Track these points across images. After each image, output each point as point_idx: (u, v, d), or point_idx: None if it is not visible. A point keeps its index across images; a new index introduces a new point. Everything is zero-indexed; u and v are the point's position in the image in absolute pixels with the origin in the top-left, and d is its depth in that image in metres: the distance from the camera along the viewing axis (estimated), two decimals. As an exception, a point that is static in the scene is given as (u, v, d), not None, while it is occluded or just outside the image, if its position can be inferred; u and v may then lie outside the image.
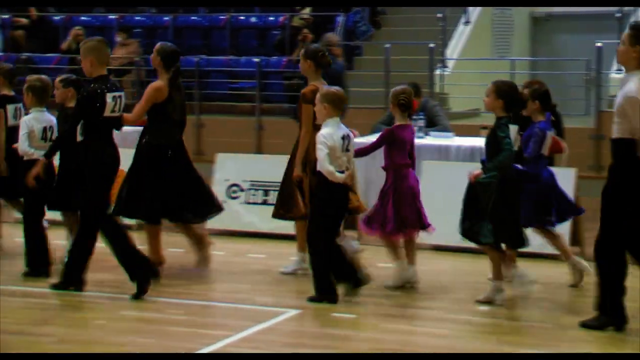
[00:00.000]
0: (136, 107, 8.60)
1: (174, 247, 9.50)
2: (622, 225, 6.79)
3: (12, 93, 9.34)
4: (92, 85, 7.80)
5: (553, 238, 8.44)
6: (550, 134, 8.33)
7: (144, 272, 7.90)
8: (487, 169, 7.48)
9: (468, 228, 7.59)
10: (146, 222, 8.81)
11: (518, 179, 7.66)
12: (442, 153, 10.39)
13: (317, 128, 7.88)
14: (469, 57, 16.28)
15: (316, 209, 7.70)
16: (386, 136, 8.12)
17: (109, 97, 7.80)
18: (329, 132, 7.54)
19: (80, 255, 7.99)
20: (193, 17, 17.77)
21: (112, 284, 8.31)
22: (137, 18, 17.85)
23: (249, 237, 10.53)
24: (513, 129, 7.59)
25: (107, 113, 7.81)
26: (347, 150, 7.65)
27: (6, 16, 17.39)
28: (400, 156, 8.08)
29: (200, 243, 8.97)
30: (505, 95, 7.53)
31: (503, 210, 7.46)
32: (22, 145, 8.57)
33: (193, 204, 8.73)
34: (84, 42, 8.05)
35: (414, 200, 8.12)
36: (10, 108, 9.21)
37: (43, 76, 8.94)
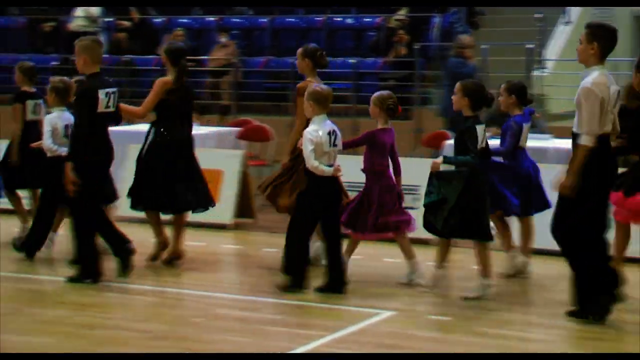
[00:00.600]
0: (144, 102, 8.98)
1: (273, 247, 9.58)
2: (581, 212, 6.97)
3: (32, 89, 9.77)
4: (85, 82, 8.28)
5: (504, 228, 8.65)
6: (527, 127, 8.54)
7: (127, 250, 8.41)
8: (446, 161, 7.79)
9: (429, 220, 7.83)
10: (150, 211, 9.07)
11: (484, 174, 7.85)
12: (539, 155, 10.21)
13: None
14: (569, 58, 16.02)
15: (303, 202, 7.98)
16: (367, 138, 8.35)
17: (101, 93, 8.18)
18: (315, 129, 7.85)
19: (86, 246, 8.28)
20: (290, 19, 17.89)
21: (208, 282, 8.44)
22: (234, 20, 18.06)
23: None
24: (480, 128, 7.80)
25: (100, 109, 8.17)
26: (335, 145, 7.92)
27: (110, 19, 17.77)
28: (379, 159, 8.29)
29: (179, 237, 9.09)
30: (472, 93, 7.78)
31: (470, 204, 7.68)
32: (47, 142, 9.02)
33: (195, 195, 9.05)
34: (79, 40, 8.42)
35: (395, 201, 8.31)
36: (30, 104, 9.71)
37: (65, 77, 9.29)
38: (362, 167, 8.40)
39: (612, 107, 7.04)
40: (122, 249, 8.47)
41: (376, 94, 8.46)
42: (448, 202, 7.68)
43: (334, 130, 7.96)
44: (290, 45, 16.91)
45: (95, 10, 17.57)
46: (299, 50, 8.92)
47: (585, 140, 6.91)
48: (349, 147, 8.48)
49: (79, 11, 17.51)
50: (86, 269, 8.31)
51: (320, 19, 17.25)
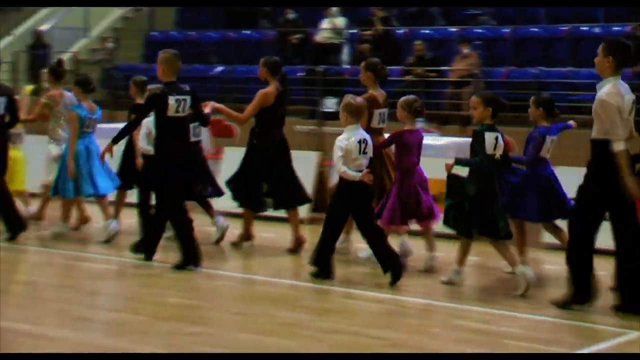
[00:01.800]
0: (246, 109, 10.03)
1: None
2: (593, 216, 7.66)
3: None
4: (160, 89, 9.23)
5: (558, 231, 9.11)
6: (551, 139, 9.07)
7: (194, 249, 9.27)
8: (457, 162, 8.52)
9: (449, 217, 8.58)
10: (250, 209, 10.28)
11: (494, 177, 8.49)
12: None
13: (373, 131, 9.24)
14: None
15: (333, 203, 8.83)
16: (395, 139, 9.19)
17: (171, 99, 9.13)
18: (346, 137, 8.66)
19: (182, 235, 9.23)
20: (533, 29, 17.60)
21: (442, 291, 8.46)
22: (477, 30, 17.95)
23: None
24: (491, 136, 8.43)
25: (170, 113, 9.13)
26: (365, 152, 8.66)
27: (354, 31, 18.13)
28: (407, 157, 9.14)
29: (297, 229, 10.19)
30: (492, 103, 8.57)
31: (484, 204, 8.37)
32: (141, 143, 10.16)
33: (293, 192, 10.13)
34: (162, 52, 9.42)
35: (419, 194, 9.12)
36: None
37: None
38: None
39: (628, 115, 7.61)
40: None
41: (403, 98, 9.30)
42: (464, 203, 8.40)
43: (364, 139, 8.69)
44: (533, 55, 16.64)
45: (340, 23, 17.98)
46: (362, 64, 9.79)
47: (618, 146, 7.48)
48: (382, 148, 9.30)
49: (325, 23, 17.97)
50: (187, 257, 9.20)
51: (565, 28, 16.87)
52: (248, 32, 19.45)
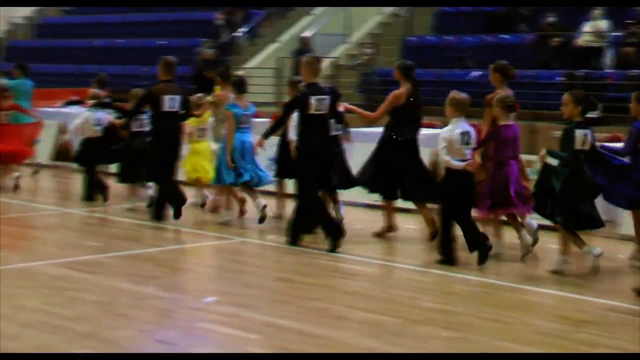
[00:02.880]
0: (379, 109, 10.99)
1: None
2: None
3: None
4: (303, 89, 10.37)
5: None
6: None
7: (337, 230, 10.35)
8: (548, 153, 9.23)
9: (540, 206, 9.26)
10: (383, 198, 11.07)
11: (581, 171, 9.16)
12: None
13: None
14: None
15: (440, 191, 9.71)
16: (493, 135, 9.84)
17: (313, 99, 10.26)
18: (449, 129, 9.49)
19: (325, 224, 10.39)
20: None
21: None
22: None
23: None
24: (581, 132, 9.11)
25: (311, 111, 10.25)
26: (468, 144, 9.43)
27: (618, 33, 17.51)
28: (505, 151, 9.79)
29: (430, 221, 10.68)
30: (583, 101, 9.18)
31: (572, 195, 9.03)
32: (291, 134, 11.15)
33: (425, 186, 10.64)
34: (304, 57, 10.84)
35: (508, 185, 9.70)
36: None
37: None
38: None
39: None
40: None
41: (497, 96, 9.93)
42: (554, 192, 9.07)
43: (467, 131, 9.48)
44: None
45: (603, 25, 17.42)
46: (491, 66, 10.36)
47: None
48: (481, 146, 9.82)
49: (588, 26, 17.46)
50: (333, 238, 10.31)
51: None
52: (506, 36, 19.22)
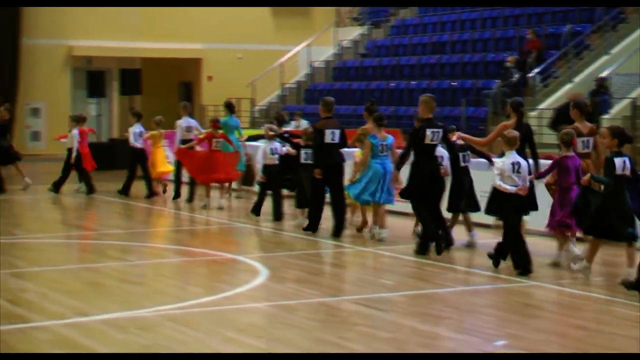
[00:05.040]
0: (488, 137, 13.24)
1: None
2: None
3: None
4: (419, 124, 12.52)
5: None
6: None
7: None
8: (592, 178, 10.81)
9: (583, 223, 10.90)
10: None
11: (622, 193, 10.56)
12: None
13: (580, 155, 11.82)
14: None
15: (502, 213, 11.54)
16: (556, 164, 11.69)
17: (428, 132, 12.33)
18: (502, 160, 11.38)
19: (430, 233, 12.40)
20: None
21: None
22: None
23: None
24: (620, 160, 10.56)
25: (427, 142, 12.35)
26: (518, 172, 11.22)
27: None
28: (565, 178, 11.62)
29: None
30: (618, 135, 10.67)
31: (610, 213, 10.49)
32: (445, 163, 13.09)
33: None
34: (422, 96, 12.68)
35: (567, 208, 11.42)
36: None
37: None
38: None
39: None
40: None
41: (562, 131, 11.84)
42: (595, 210, 10.59)
43: (518, 162, 11.27)
44: None
45: None
46: (571, 104, 12.58)
47: None
48: (543, 176, 11.89)
49: None
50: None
51: None
52: None
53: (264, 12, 33.98)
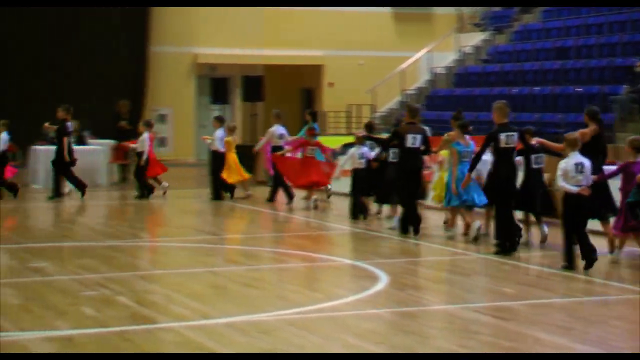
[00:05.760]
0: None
1: None
2: None
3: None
4: (494, 129, 13.01)
5: None
6: None
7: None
8: None
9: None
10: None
11: None
12: None
13: None
14: None
15: (563, 210, 11.94)
16: (622, 168, 12.28)
17: (502, 135, 12.86)
18: (565, 161, 11.70)
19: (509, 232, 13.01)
20: None
21: None
22: None
23: None
24: None
25: (502, 145, 12.85)
26: (581, 172, 11.57)
27: None
28: (629, 183, 12.00)
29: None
30: None
31: None
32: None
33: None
34: (495, 103, 13.31)
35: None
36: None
37: None
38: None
39: None
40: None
41: (629, 138, 12.55)
42: None
43: (581, 163, 11.62)
44: None
45: None
46: None
47: None
48: (608, 178, 12.59)
49: None
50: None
51: None
52: None
53: (386, 18, 34.05)
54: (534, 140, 13.70)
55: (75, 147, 21.65)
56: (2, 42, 29.68)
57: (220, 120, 20.44)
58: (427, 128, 15.76)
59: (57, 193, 20.12)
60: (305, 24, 33.00)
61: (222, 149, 19.83)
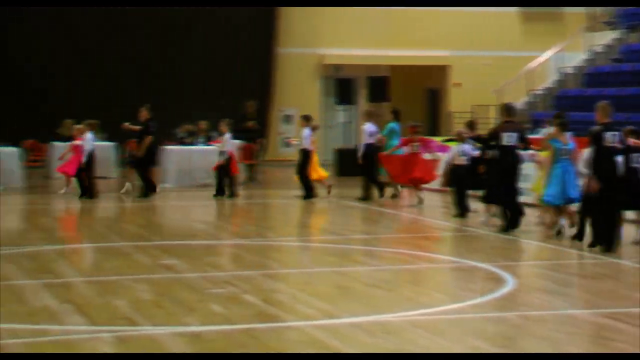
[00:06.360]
0: None
1: None
2: None
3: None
4: (597, 128, 13.18)
5: None
6: None
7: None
8: None
9: None
10: None
11: None
12: None
13: None
14: None
15: None
16: None
17: (608, 134, 13.05)
18: None
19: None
20: None
21: None
22: None
23: None
24: None
25: (606, 144, 13.01)
26: None
27: None
28: None
29: None
30: None
31: None
32: (580, 167, 14.17)
33: None
34: (599, 103, 13.49)
35: None
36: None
37: None
38: None
39: None
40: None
41: None
42: None
43: None
44: None
45: None
46: None
47: None
48: None
49: None
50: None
51: None
52: None
53: (512, 18, 33.61)
54: (632, 141, 13.73)
55: (204, 148, 22.12)
56: (128, 45, 30.33)
57: (307, 119, 20.79)
58: (526, 126, 16.52)
59: (150, 189, 20.52)
60: (431, 24, 32.83)
61: (310, 147, 20.20)
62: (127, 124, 21.25)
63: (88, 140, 20.16)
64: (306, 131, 20.40)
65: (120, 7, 29.59)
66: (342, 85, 30.87)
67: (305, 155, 20.31)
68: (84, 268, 12.18)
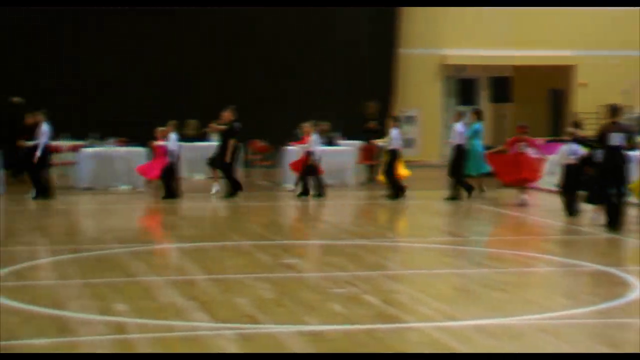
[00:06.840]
0: None
1: None
2: None
3: None
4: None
5: None
6: None
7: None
8: None
9: None
10: None
11: None
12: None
13: None
14: None
15: None
16: None
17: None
18: None
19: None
20: None
21: None
22: None
23: None
24: None
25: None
26: None
27: None
28: None
29: None
30: None
31: None
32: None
33: None
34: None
35: None
36: None
37: None
38: None
39: None
40: None
41: None
42: None
43: None
44: None
45: None
46: None
47: None
48: None
49: None
50: None
51: None
52: None
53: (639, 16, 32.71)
54: None
55: (325, 148, 22.18)
56: (261, 46, 30.58)
57: (396, 119, 21.58)
58: (632, 125, 16.80)
59: (236, 187, 20.55)
60: (555, 23, 32.22)
61: (399, 147, 20.59)
62: (213, 124, 21.49)
63: (172, 140, 20.40)
64: (395, 131, 20.58)
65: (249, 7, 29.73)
66: (463, 86, 30.60)
67: (394, 155, 20.48)
68: (207, 266, 12.37)
